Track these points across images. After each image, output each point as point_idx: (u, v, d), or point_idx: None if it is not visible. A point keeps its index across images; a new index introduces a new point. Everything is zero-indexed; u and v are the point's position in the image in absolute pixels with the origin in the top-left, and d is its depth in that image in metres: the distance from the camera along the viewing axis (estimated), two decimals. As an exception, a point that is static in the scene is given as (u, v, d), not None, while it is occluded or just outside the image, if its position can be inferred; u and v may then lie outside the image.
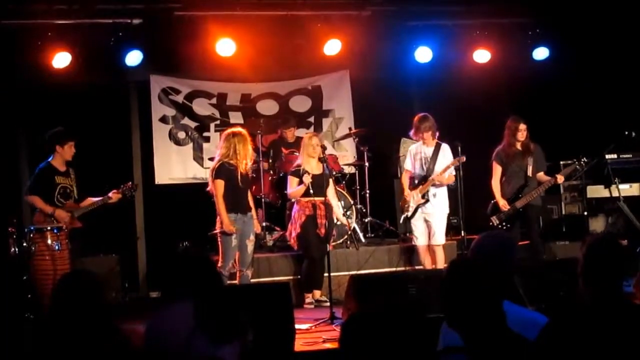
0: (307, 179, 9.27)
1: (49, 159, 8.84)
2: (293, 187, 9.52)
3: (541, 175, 9.89)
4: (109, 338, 4.34)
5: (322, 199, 9.25)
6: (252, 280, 9.40)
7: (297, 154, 10.25)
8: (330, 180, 9.55)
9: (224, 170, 8.85)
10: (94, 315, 4.32)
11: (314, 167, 9.49)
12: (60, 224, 8.58)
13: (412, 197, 9.70)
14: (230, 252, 8.87)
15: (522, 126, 9.78)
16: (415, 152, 9.85)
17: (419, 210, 9.68)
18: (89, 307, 4.32)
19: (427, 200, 9.65)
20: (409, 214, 9.73)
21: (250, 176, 9.29)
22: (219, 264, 8.73)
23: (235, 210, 8.90)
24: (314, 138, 9.61)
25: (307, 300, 9.64)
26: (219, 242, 8.91)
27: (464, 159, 9.65)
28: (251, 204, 9.22)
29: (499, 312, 3.63)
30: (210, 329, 4.49)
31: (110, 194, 9.00)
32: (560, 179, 9.82)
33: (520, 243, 10.03)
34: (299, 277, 9.90)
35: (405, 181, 9.93)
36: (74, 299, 4.31)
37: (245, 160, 8.90)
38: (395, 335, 2.94)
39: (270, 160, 11.22)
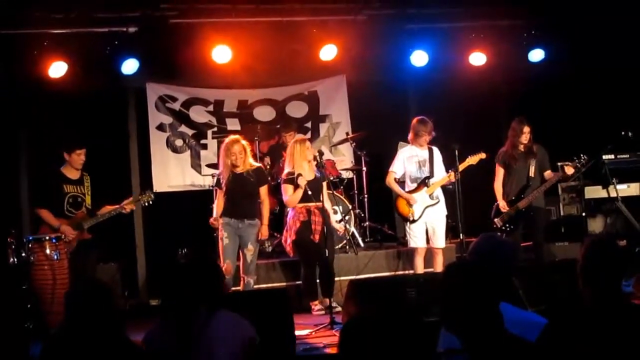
0: (302, 182, 9.19)
1: (61, 167, 8.85)
2: (289, 194, 9.37)
3: (548, 172, 9.91)
4: (120, 346, 4.38)
5: (317, 204, 9.23)
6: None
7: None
8: (324, 184, 9.53)
9: (218, 180, 9.22)
10: (107, 324, 4.35)
11: (307, 172, 9.38)
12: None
13: (418, 200, 9.64)
14: (224, 252, 8.97)
15: (526, 129, 9.80)
16: (409, 155, 9.74)
17: (424, 212, 9.65)
18: (103, 315, 4.35)
19: (438, 201, 9.66)
20: (416, 217, 9.61)
21: (253, 179, 9.19)
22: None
23: (229, 216, 9.03)
24: (307, 142, 9.60)
25: (316, 308, 9.49)
26: None
27: (484, 155, 9.70)
28: (264, 210, 9.31)
29: (495, 314, 3.64)
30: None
31: (124, 204, 8.97)
32: (568, 169, 9.80)
33: (523, 244, 10.07)
34: (300, 283, 9.86)
35: (395, 184, 9.82)
36: (87, 308, 4.34)
37: (232, 164, 9.00)
38: (394, 339, 2.94)
39: (268, 166, 11.21)
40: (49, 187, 8.80)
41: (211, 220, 9.18)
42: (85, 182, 8.91)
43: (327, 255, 9.14)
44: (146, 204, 9.28)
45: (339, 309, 8.96)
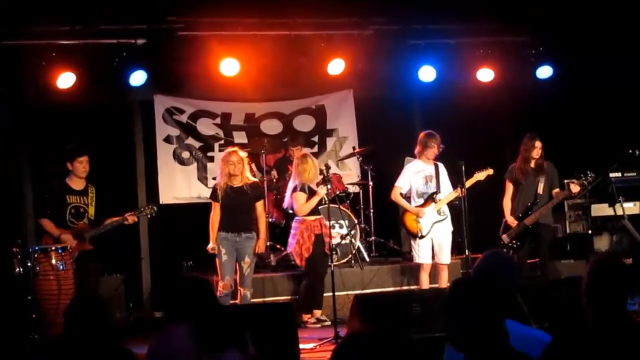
0: (322, 190, 9.31)
1: (66, 177, 8.86)
2: (300, 203, 9.48)
3: (556, 191, 9.89)
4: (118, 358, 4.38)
5: (321, 217, 9.43)
6: (257, 300, 9.44)
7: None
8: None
9: (214, 192, 9.13)
10: (103, 338, 4.35)
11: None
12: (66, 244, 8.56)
13: (425, 215, 9.58)
14: (223, 269, 8.94)
15: (538, 144, 9.79)
16: (417, 170, 9.72)
17: (432, 228, 9.61)
18: (98, 330, 4.35)
19: (446, 217, 9.63)
20: (424, 232, 9.56)
21: (250, 193, 9.16)
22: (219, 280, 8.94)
23: (226, 230, 9.00)
24: (308, 158, 9.74)
25: (311, 321, 9.58)
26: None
27: (491, 171, 9.72)
28: (261, 225, 9.26)
29: (501, 331, 3.62)
30: (209, 344, 4.50)
31: (127, 216, 8.91)
32: (574, 187, 9.75)
33: (529, 261, 10.04)
34: (297, 297, 9.89)
35: (401, 199, 9.79)
36: (83, 323, 4.34)
37: (229, 177, 9.01)
38: (390, 357, 2.88)
39: (275, 180, 11.23)
40: (51, 198, 8.79)
41: (209, 248, 9.04)
42: (90, 193, 8.87)
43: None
44: (149, 216, 9.22)
45: (328, 322, 9.22)
